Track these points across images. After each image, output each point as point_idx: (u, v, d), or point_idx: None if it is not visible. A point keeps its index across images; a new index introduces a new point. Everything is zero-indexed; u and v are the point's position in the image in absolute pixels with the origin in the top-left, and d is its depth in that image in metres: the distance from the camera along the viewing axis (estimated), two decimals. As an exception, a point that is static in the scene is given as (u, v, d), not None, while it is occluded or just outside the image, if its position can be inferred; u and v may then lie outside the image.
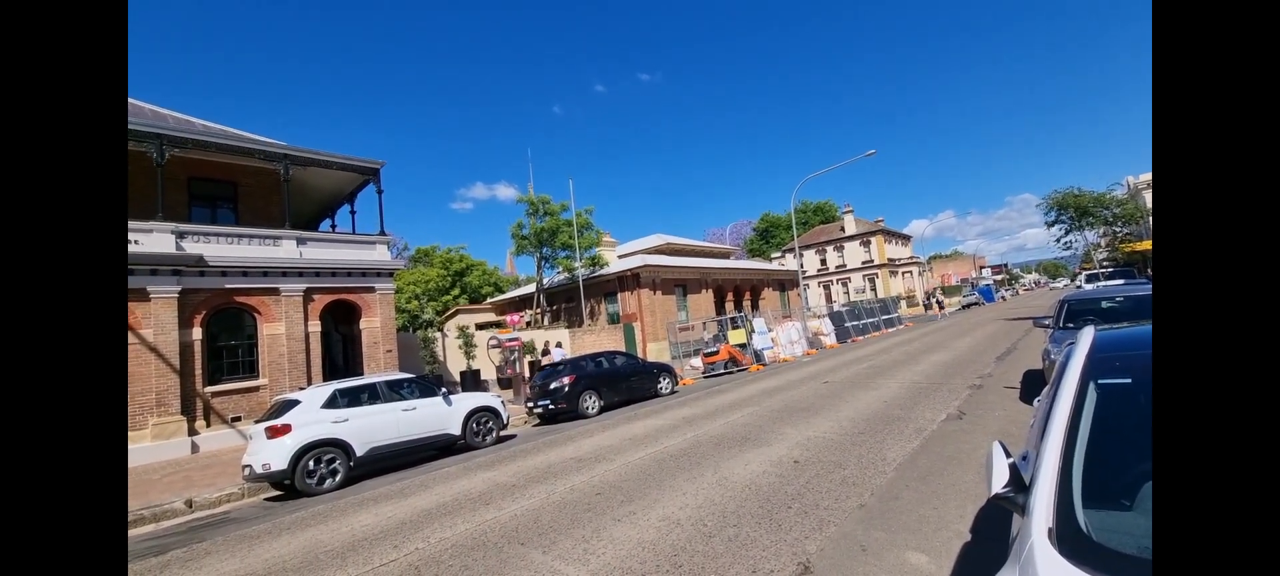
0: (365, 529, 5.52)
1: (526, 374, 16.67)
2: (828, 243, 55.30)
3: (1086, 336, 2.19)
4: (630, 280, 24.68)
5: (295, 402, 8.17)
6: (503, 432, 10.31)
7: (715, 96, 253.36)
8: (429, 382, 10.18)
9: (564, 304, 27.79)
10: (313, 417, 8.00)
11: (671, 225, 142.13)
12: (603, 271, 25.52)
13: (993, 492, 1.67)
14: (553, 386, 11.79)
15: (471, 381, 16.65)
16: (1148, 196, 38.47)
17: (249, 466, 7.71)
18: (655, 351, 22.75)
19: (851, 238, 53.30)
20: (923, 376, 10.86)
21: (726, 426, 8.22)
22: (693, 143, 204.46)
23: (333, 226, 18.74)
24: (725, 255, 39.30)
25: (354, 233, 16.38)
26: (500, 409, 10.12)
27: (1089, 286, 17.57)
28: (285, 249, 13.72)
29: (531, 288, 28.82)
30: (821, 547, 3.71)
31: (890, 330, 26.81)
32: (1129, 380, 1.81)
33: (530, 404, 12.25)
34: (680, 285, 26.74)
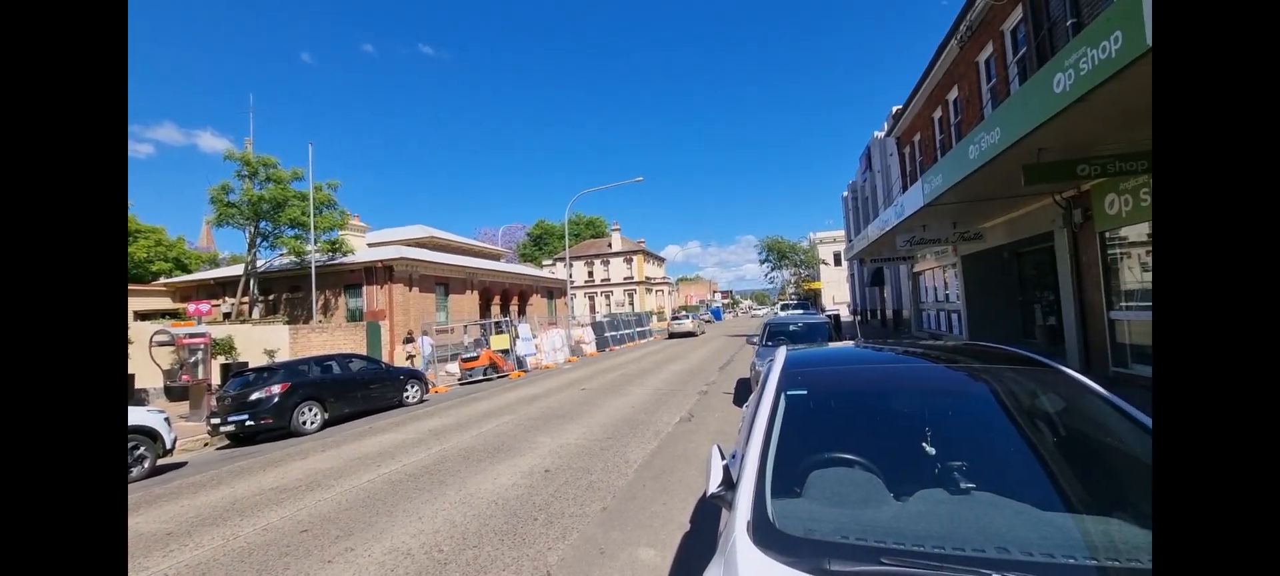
0: None
1: (215, 380, 12.96)
2: (596, 256, 59.01)
3: (780, 356, 2.71)
4: (381, 273, 21.70)
5: None
6: (164, 460, 7.70)
7: (503, 91, 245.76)
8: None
9: (288, 293, 22.71)
10: None
11: (440, 219, 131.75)
12: (346, 259, 21.81)
13: (709, 493, 1.87)
14: (255, 397, 9.38)
15: (118, 391, 12.06)
16: (821, 249, 52.76)
17: None
18: (402, 355, 20.43)
19: (617, 254, 58.04)
20: (665, 383, 12.34)
21: (478, 438, 7.79)
22: (474, 135, 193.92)
23: None
24: (496, 257, 38.16)
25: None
26: (161, 427, 7.53)
27: (783, 314, 22.87)
28: None
29: (238, 269, 22.74)
30: (562, 557, 3.74)
31: (643, 341, 29.94)
32: (805, 391, 2.28)
33: (216, 420, 9.49)
34: (442, 283, 24.74)
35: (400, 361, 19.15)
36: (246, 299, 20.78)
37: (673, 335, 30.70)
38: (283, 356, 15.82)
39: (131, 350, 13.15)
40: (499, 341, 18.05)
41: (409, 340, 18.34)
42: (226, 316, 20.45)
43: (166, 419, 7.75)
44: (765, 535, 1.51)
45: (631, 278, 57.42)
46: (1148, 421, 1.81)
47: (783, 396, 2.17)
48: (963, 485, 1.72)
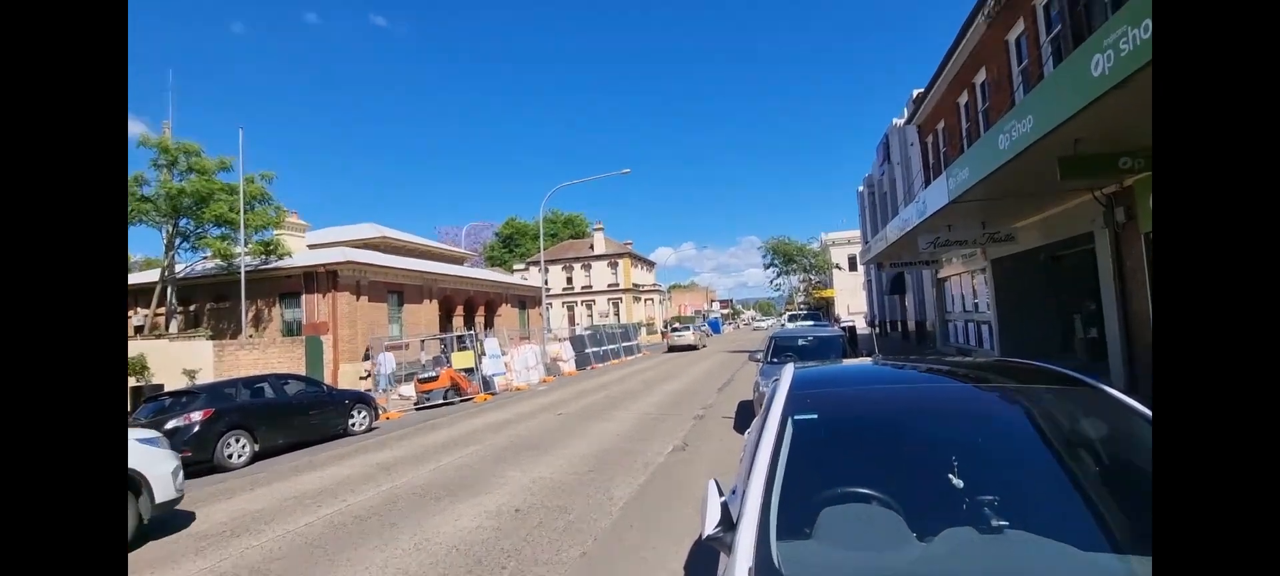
0: None
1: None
2: (576, 259, 58.97)
3: (787, 374, 2.71)
4: (324, 279, 21.46)
5: None
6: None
7: (471, 70, 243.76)
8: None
9: (212, 303, 22.36)
10: None
11: (394, 217, 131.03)
12: (282, 263, 21.53)
13: (705, 535, 1.86)
14: (172, 425, 9.17)
15: None
16: (834, 252, 53.28)
17: None
18: (349, 375, 20.18)
19: (600, 257, 58.08)
20: (655, 406, 12.32)
21: (436, 472, 7.71)
22: (436, 120, 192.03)
23: None
24: (459, 260, 37.94)
25: None
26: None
27: (790, 326, 23.04)
28: None
29: (153, 275, 22.32)
30: (535, 612, 3.69)
31: (630, 358, 29.93)
32: (815, 415, 2.29)
33: (125, 453, 9.26)
34: (396, 291, 24.53)
35: (352, 382, 18.95)
36: (162, 310, 20.38)
37: (673, 348, 33.80)
38: (205, 377, 15.54)
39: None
40: (462, 359, 17.89)
41: (369, 358, 18.29)
42: (138, 330, 20.05)
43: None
44: None
45: (617, 284, 57.43)
46: None
47: (790, 421, 2.17)
48: (995, 522, 1.73)
